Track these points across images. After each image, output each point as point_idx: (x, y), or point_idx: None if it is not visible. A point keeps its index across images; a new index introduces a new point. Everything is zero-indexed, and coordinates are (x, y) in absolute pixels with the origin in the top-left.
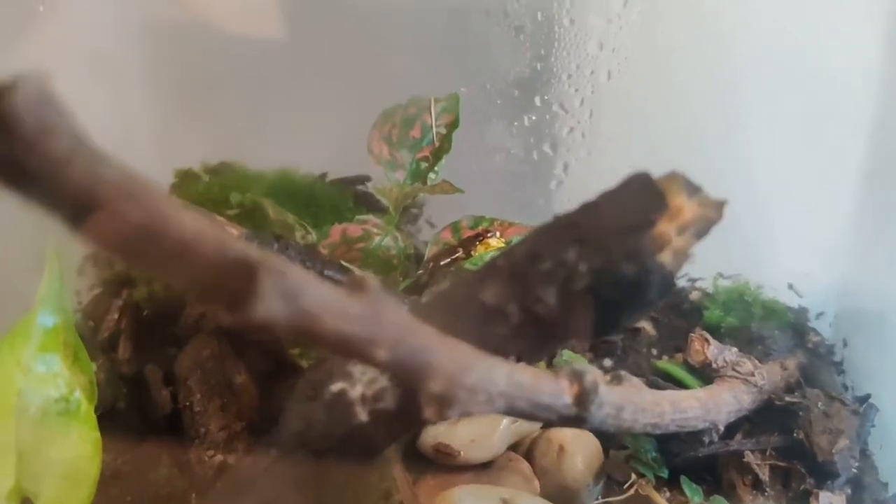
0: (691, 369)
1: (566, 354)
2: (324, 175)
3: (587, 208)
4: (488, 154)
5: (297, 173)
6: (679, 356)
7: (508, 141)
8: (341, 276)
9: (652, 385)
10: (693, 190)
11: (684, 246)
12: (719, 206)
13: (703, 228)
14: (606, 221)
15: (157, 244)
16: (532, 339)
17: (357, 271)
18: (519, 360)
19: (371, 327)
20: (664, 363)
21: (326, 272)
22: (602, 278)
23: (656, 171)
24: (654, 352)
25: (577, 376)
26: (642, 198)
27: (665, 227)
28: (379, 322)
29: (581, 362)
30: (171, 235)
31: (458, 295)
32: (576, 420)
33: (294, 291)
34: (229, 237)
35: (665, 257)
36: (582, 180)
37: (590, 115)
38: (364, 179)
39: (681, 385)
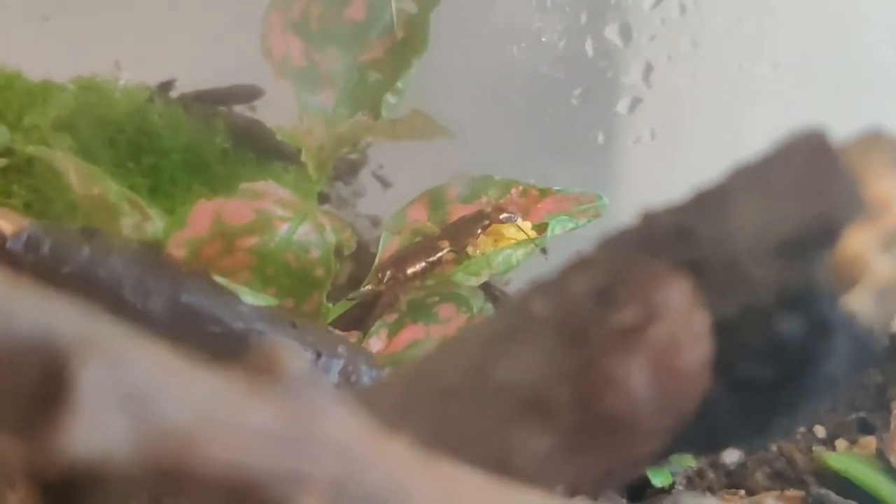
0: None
1: None
2: (168, 86)
3: (708, 200)
4: (500, 50)
5: (116, 85)
6: (869, 441)
7: (537, 22)
8: (213, 303)
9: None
10: None
11: None
12: None
13: None
14: (745, 228)
15: None
16: (598, 455)
17: (248, 295)
18: (574, 493)
19: (295, 453)
20: (839, 457)
21: (185, 299)
22: (735, 342)
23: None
24: (821, 434)
25: None
26: (814, 182)
27: (859, 240)
28: (310, 441)
29: (682, 462)
30: None
31: (454, 368)
32: None
33: (144, 393)
34: (16, 298)
35: (860, 300)
36: (679, 95)
37: None
38: (251, 95)
39: (870, 500)
